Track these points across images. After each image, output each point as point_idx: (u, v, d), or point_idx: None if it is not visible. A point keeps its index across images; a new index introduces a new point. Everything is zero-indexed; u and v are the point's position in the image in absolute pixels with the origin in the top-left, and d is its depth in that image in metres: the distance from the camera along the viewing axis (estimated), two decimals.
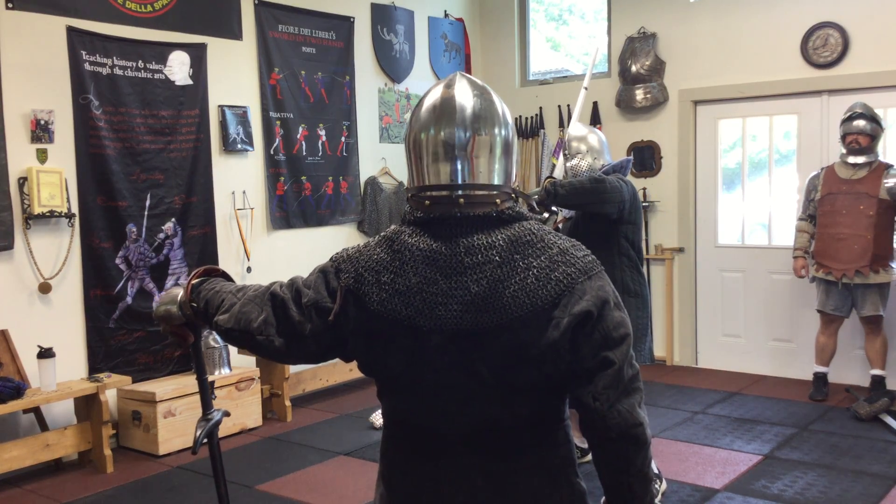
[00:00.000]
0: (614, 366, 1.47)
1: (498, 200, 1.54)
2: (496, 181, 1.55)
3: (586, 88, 4.35)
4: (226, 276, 1.87)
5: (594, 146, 4.05)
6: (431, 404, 1.53)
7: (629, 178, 3.99)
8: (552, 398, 1.55)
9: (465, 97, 1.54)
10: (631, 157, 4.22)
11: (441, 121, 1.53)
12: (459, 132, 1.52)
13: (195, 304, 1.77)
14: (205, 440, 2.04)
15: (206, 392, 2.10)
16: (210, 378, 5.04)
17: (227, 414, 2.10)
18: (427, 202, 1.53)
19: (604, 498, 1.60)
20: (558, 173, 4.19)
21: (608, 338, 1.47)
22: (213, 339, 5.23)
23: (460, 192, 1.52)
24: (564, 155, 4.12)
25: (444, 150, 1.52)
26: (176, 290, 1.85)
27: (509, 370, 1.47)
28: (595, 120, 6.98)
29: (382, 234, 1.59)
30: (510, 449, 1.52)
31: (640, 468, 1.51)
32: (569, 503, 1.56)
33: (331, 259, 1.61)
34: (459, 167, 1.52)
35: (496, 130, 1.54)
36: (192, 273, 1.84)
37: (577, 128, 4.18)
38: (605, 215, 3.80)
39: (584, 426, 1.53)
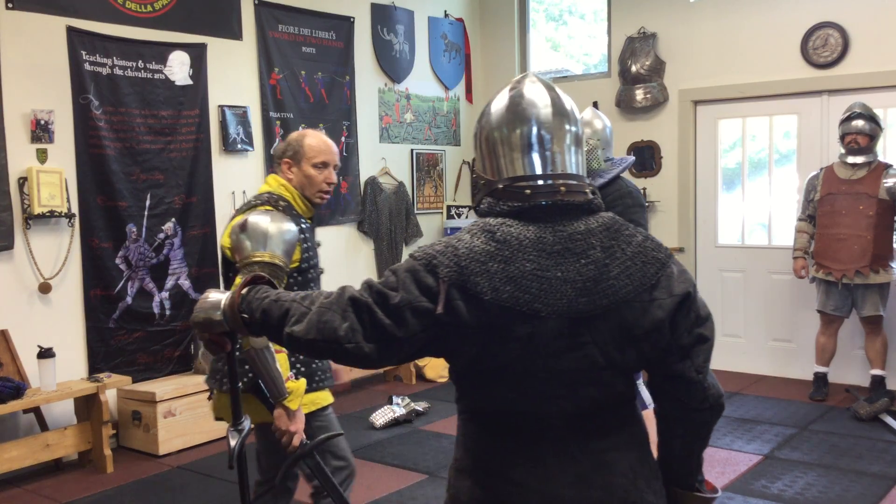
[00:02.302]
0: (709, 341, 1.61)
1: (587, 190, 1.62)
2: (581, 173, 1.63)
3: None
4: (271, 284, 1.78)
5: (598, 130, 3.84)
6: (540, 390, 1.56)
7: (628, 177, 3.96)
8: (632, 377, 1.65)
9: (544, 93, 1.62)
10: (633, 158, 4.19)
11: (527, 115, 1.59)
12: (549, 125, 1.59)
13: (245, 315, 1.69)
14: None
15: (238, 401, 2.06)
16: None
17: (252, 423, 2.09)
18: (528, 191, 1.57)
19: None
20: None
21: (699, 316, 1.60)
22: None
23: (561, 182, 1.58)
24: None
25: (536, 142, 1.59)
26: (216, 297, 1.77)
27: (617, 351, 1.55)
28: None
29: (472, 227, 1.58)
30: (607, 427, 1.60)
31: (709, 436, 1.70)
32: (654, 475, 1.65)
33: (414, 258, 1.57)
34: (551, 159, 1.60)
35: (571, 126, 1.62)
36: (241, 282, 1.75)
37: (583, 112, 4.08)
38: None
39: (670, 399, 1.64)
